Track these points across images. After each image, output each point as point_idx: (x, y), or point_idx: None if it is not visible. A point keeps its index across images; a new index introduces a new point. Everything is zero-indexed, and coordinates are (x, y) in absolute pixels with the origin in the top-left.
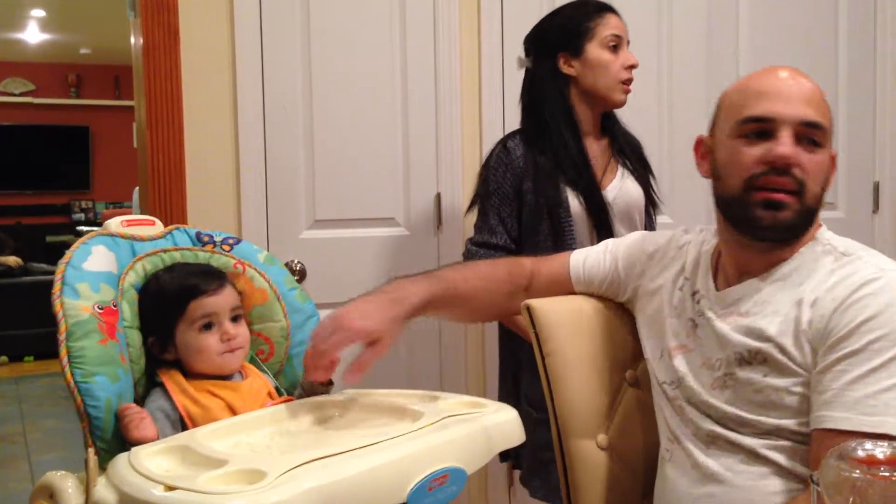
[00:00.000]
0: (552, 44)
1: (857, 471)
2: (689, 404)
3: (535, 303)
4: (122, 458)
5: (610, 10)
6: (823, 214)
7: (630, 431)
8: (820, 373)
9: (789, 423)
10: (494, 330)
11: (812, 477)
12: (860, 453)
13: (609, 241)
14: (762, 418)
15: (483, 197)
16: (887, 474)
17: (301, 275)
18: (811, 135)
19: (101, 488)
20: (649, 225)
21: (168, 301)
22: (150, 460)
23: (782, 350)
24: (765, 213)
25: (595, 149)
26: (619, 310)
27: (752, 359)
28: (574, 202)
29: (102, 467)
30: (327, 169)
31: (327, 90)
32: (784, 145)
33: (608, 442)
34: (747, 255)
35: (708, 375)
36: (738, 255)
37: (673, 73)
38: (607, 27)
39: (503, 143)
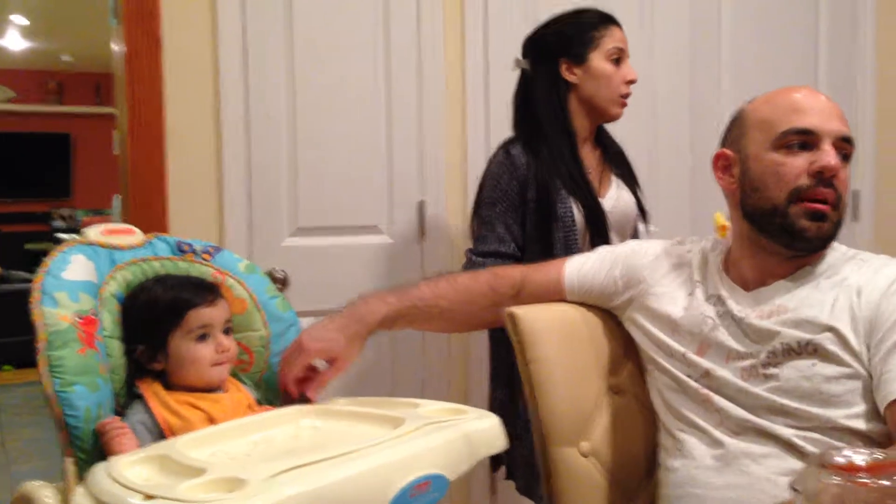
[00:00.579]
0: (555, 49)
1: (837, 478)
2: (718, 394)
3: (519, 310)
4: (100, 467)
5: (615, 22)
6: None
7: (613, 438)
8: (881, 359)
9: (835, 414)
10: (477, 337)
11: (792, 484)
12: (840, 460)
13: (604, 249)
14: (806, 407)
15: (487, 205)
16: (867, 481)
17: (283, 283)
18: (845, 150)
19: (80, 498)
20: (636, 236)
21: (163, 310)
22: (129, 470)
23: (838, 336)
24: (810, 225)
25: (591, 159)
26: (603, 317)
27: (802, 350)
28: (576, 211)
29: (81, 477)
30: (310, 176)
31: (311, 98)
32: (830, 156)
33: (591, 448)
34: (773, 260)
35: (737, 368)
36: (764, 261)
37: (657, 82)
38: (612, 39)
39: (505, 151)
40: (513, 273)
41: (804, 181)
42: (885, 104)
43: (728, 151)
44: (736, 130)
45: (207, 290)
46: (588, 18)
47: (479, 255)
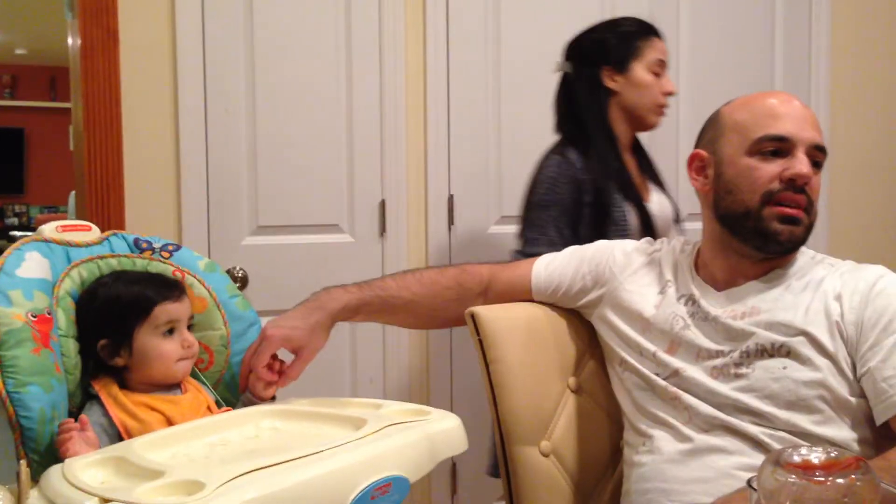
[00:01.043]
0: (598, 55)
1: (793, 476)
2: (687, 392)
3: (480, 310)
4: (55, 469)
5: (657, 34)
6: None
7: (572, 437)
8: (879, 365)
9: (799, 419)
10: (438, 338)
11: (749, 482)
12: (796, 458)
13: (573, 247)
14: (772, 409)
15: (540, 207)
16: (822, 479)
17: (243, 282)
18: (817, 157)
19: (34, 501)
20: None
21: (128, 305)
22: (85, 472)
23: (812, 339)
24: (783, 228)
25: (631, 165)
26: (564, 317)
27: (775, 351)
28: (631, 215)
29: (35, 479)
30: (271, 174)
31: (271, 95)
32: (803, 164)
33: (551, 448)
34: (745, 262)
35: (707, 367)
36: (735, 262)
37: None
38: (654, 50)
39: (561, 154)
40: (481, 270)
41: (776, 185)
42: (839, 107)
43: (703, 152)
44: (711, 132)
45: (172, 286)
46: (632, 28)
47: (528, 258)
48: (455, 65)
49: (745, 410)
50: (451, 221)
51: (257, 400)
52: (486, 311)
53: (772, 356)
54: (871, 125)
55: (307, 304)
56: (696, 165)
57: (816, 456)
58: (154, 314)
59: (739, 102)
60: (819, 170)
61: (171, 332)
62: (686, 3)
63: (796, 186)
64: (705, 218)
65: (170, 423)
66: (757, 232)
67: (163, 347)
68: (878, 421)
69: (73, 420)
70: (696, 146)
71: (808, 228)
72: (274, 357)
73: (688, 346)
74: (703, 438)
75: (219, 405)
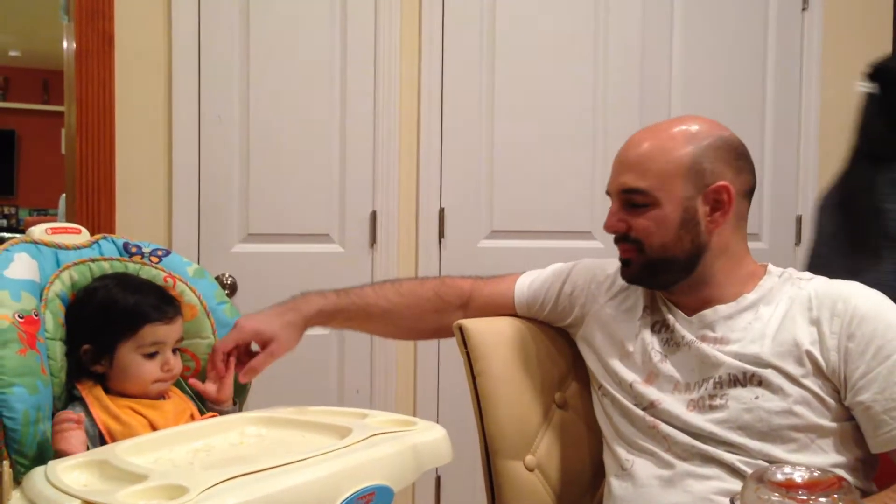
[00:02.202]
0: None
1: (776, 494)
2: (665, 423)
3: (468, 323)
4: (38, 471)
5: None
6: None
7: (557, 452)
8: (875, 397)
9: (773, 450)
10: (426, 350)
11: (732, 500)
12: (779, 477)
13: (557, 266)
14: (746, 440)
15: None
16: (805, 498)
17: (232, 289)
18: (632, 200)
19: (16, 502)
20: None
21: (120, 315)
22: (68, 474)
23: (782, 372)
24: (622, 269)
25: None
26: (551, 333)
27: (748, 381)
28: None
29: (17, 481)
30: (262, 182)
31: (265, 104)
32: (609, 216)
33: (536, 462)
34: (694, 295)
35: (684, 398)
36: (677, 294)
37: (608, 105)
38: None
39: None
40: (462, 284)
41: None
42: (828, 129)
43: None
44: None
45: (169, 304)
46: None
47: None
48: (449, 78)
49: (720, 441)
50: (441, 234)
51: (212, 405)
52: (474, 324)
53: (744, 385)
54: None
55: (282, 304)
56: None
57: (799, 475)
58: (141, 333)
59: None
60: (638, 209)
61: (154, 354)
62: (679, 28)
63: (617, 237)
64: None
65: (153, 427)
66: None
67: (142, 368)
68: (875, 451)
69: (72, 412)
70: None
71: (646, 265)
72: (244, 351)
73: (665, 378)
74: (682, 465)
75: (202, 413)
